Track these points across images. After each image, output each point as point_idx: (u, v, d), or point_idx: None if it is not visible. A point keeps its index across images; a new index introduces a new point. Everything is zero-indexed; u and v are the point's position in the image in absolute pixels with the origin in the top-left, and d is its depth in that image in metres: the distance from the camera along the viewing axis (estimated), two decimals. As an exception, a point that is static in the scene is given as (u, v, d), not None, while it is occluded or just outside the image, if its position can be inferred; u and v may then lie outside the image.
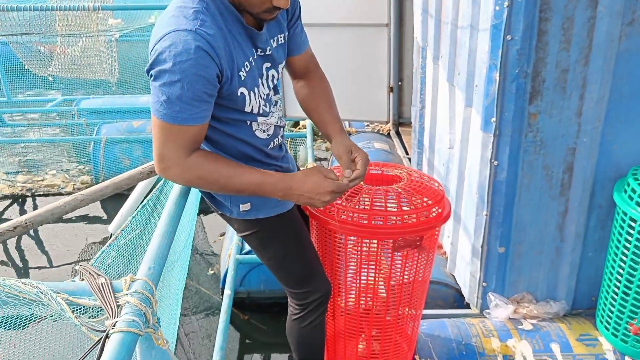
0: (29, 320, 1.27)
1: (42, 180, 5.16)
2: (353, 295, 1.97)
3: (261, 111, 1.58)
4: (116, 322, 1.01)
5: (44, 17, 5.00)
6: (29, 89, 6.26)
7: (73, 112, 5.48)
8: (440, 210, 1.83)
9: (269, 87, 1.60)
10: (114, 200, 4.76)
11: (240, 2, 1.40)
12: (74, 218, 4.51)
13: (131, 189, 4.68)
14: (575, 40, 1.97)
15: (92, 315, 1.08)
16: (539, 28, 1.96)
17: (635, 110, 2.07)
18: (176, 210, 1.42)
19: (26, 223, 1.73)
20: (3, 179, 5.22)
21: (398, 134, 4.52)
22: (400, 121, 4.55)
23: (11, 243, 4.24)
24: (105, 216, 4.66)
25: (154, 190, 2.11)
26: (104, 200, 4.88)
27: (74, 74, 5.14)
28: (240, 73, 1.45)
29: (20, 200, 4.96)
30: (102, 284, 1.10)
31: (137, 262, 2.03)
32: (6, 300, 1.08)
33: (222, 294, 2.99)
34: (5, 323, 1.25)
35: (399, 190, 1.80)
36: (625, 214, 1.97)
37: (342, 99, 4.19)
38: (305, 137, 4.68)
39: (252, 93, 1.52)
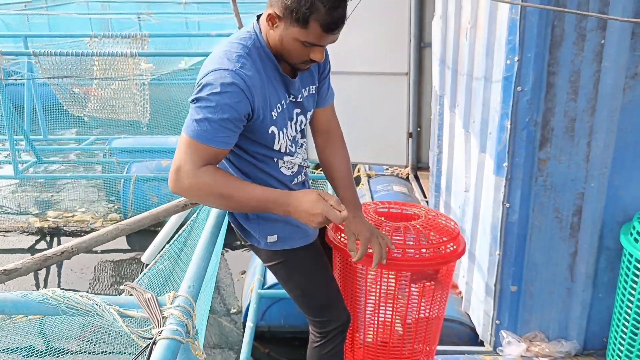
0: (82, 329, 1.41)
1: (72, 217, 5.37)
2: (371, 329, 2.07)
3: (287, 150, 1.74)
4: (162, 330, 1.15)
5: (84, 62, 5.32)
6: (65, 128, 6.58)
7: (105, 151, 5.75)
8: (455, 247, 1.95)
9: (296, 130, 1.77)
10: (140, 235, 4.97)
11: (281, 52, 1.58)
12: (99, 251, 4.70)
13: (158, 224, 4.89)
14: (582, 92, 2.12)
15: (139, 325, 1.22)
16: (548, 81, 2.12)
17: (639, 158, 2.19)
18: (211, 238, 1.57)
19: (72, 249, 1.89)
20: (35, 213, 5.45)
21: (416, 177, 4.66)
22: (419, 165, 4.70)
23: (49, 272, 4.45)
24: (128, 248, 4.87)
25: (187, 223, 2.27)
26: (129, 236, 5.09)
27: (109, 115, 5.41)
28: (272, 113, 1.62)
29: (48, 235, 5.17)
30: (148, 298, 1.25)
31: (170, 287, 2.17)
32: (65, 310, 1.23)
33: (244, 328, 3.11)
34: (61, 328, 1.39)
35: (417, 226, 1.93)
36: (632, 256, 2.07)
37: (363, 143, 4.40)
38: (325, 178, 4.84)
39: (281, 133, 1.68)
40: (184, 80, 7.53)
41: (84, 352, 1.57)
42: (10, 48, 7.41)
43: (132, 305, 1.25)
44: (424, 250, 1.86)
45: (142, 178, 5.00)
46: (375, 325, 2.05)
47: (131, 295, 1.29)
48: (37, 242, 5.06)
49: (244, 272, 4.58)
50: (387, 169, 4.93)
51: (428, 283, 1.92)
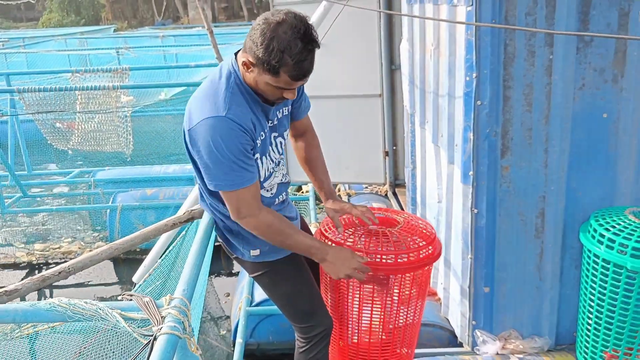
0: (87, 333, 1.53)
1: (58, 248, 5.44)
2: (356, 332, 2.20)
3: (267, 174, 1.90)
4: (162, 327, 1.28)
5: (66, 96, 5.46)
6: (48, 162, 6.68)
7: (90, 183, 5.85)
8: (431, 250, 2.07)
9: (278, 152, 1.94)
10: (127, 265, 5.07)
11: (258, 90, 1.72)
12: (88, 283, 4.78)
13: (144, 252, 4.98)
14: (535, 103, 2.32)
15: (139, 327, 1.35)
16: (504, 94, 2.32)
17: (593, 162, 2.38)
18: (201, 247, 1.71)
19: (69, 268, 2.00)
20: (21, 248, 5.50)
21: (395, 194, 4.83)
22: (397, 183, 4.88)
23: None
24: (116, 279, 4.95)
25: (176, 240, 2.40)
26: (117, 266, 5.18)
27: (93, 147, 5.53)
28: (257, 141, 1.79)
29: (36, 268, 5.24)
30: (147, 302, 1.38)
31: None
32: (72, 316, 1.36)
33: (234, 346, 3.21)
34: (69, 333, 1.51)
35: (395, 232, 2.06)
36: (590, 252, 2.25)
37: (341, 163, 4.59)
38: (308, 199, 5.00)
39: (264, 157, 1.85)
40: (165, 111, 7.68)
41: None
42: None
43: (133, 308, 1.38)
44: (401, 256, 1.99)
45: (128, 207, 5.11)
46: (357, 329, 2.18)
47: (131, 300, 1.42)
48: (27, 275, 5.11)
49: (228, 295, 4.69)
50: (366, 187, 5.11)
51: (378, 288, 2.04)
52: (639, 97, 2.29)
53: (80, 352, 1.71)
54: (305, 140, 2.12)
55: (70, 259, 5.21)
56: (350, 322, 2.16)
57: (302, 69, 1.60)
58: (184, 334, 1.31)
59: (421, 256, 2.01)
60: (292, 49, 1.56)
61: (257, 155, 1.81)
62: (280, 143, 1.95)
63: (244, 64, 1.67)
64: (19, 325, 1.43)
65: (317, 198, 5.47)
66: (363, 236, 2.03)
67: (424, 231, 2.09)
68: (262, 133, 1.80)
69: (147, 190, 5.32)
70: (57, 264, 5.17)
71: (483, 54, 2.25)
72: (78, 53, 11.38)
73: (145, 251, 4.92)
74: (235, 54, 1.77)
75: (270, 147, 1.88)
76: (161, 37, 14.24)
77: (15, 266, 5.26)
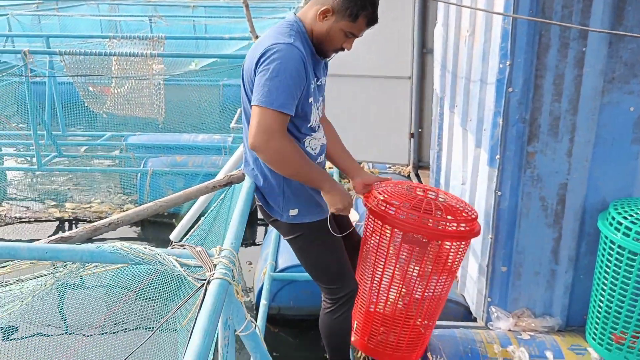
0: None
1: (89, 207, 5.66)
2: (383, 298, 2.36)
3: (317, 125, 2.08)
4: (214, 273, 1.43)
5: (103, 61, 5.63)
6: (82, 124, 6.89)
7: (122, 147, 6.04)
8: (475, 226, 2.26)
9: (319, 112, 2.09)
10: (156, 228, 5.26)
11: (323, 40, 1.98)
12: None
13: (172, 216, 5.17)
14: (565, 94, 2.41)
15: (192, 271, 1.50)
16: (535, 83, 2.41)
17: (616, 154, 2.47)
18: (245, 207, 1.85)
19: (118, 221, 2.18)
20: (54, 205, 5.73)
21: (417, 176, 4.95)
22: (420, 164, 4.99)
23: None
24: (145, 241, 5.14)
25: (215, 203, 2.56)
26: (144, 228, 5.38)
27: (126, 112, 5.71)
28: (312, 85, 1.98)
29: (68, 223, 5.47)
30: (199, 251, 1.53)
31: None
32: (132, 259, 1.51)
33: (256, 309, 3.39)
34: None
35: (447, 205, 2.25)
36: (607, 238, 2.35)
37: (366, 142, 4.71)
38: (332, 175, 5.13)
39: (315, 105, 2.05)
40: (197, 81, 7.83)
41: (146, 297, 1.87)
42: (25, 47, 7.71)
43: (186, 256, 1.54)
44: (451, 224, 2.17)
45: (159, 172, 5.28)
46: (385, 295, 2.34)
47: (184, 249, 1.57)
48: (59, 229, 5.34)
49: (250, 263, 4.86)
50: (389, 167, 5.22)
51: (418, 248, 2.19)
52: (667, 93, 2.37)
53: (129, 298, 1.90)
54: (325, 128, 2.28)
55: (100, 218, 5.47)
56: (382, 289, 2.32)
57: (375, 15, 1.99)
58: (233, 281, 1.46)
59: (466, 228, 2.17)
60: None
61: (312, 99, 2.01)
62: (322, 107, 2.16)
63: (322, 12, 1.94)
64: (84, 264, 1.59)
65: (340, 176, 5.61)
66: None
67: (465, 209, 2.27)
68: (314, 80, 2.02)
69: (176, 157, 5.48)
70: (88, 221, 5.39)
71: (518, 43, 2.34)
72: (111, 19, 11.53)
73: (174, 215, 5.13)
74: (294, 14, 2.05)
75: (318, 102, 2.09)
76: (192, 7, 14.34)
77: (47, 222, 5.49)
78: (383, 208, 2.18)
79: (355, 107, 4.72)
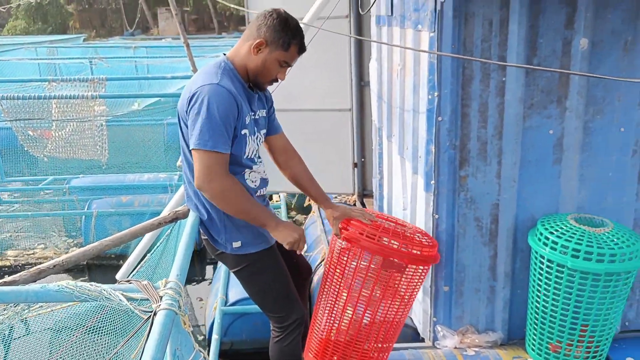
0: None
1: (33, 254, 5.50)
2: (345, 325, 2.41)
3: (254, 157, 2.17)
4: (160, 305, 1.47)
5: (43, 104, 5.57)
6: (23, 169, 6.73)
7: (64, 190, 5.93)
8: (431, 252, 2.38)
9: (257, 144, 2.18)
10: (101, 270, 5.16)
11: (258, 72, 2.09)
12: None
13: (119, 257, 5.09)
14: (490, 120, 2.59)
15: (139, 305, 1.54)
16: (462, 111, 2.58)
17: (540, 174, 2.66)
18: (190, 241, 1.90)
19: (63, 262, 2.17)
20: (-6, 253, 5.55)
21: (363, 204, 5.08)
22: (365, 193, 5.13)
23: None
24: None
25: (161, 240, 2.58)
26: (92, 271, 5.27)
27: (68, 155, 5.63)
28: (246, 118, 2.07)
29: (9, 273, 5.29)
30: (145, 284, 1.57)
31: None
32: (79, 296, 1.53)
33: (209, 345, 3.38)
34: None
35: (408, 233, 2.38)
36: (537, 253, 2.51)
37: (312, 174, 4.77)
38: (280, 208, 5.20)
39: (251, 137, 2.13)
40: (141, 121, 7.80)
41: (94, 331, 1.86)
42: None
43: (132, 290, 1.57)
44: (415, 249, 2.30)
45: (104, 213, 5.22)
46: (347, 322, 2.39)
47: (130, 284, 1.61)
48: (0, 277, 5.16)
49: (201, 300, 4.84)
50: (335, 197, 5.33)
51: (397, 274, 2.28)
52: (580, 116, 2.57)
53: (76, 337, 1.89)
54: (289, 158, 2.41)
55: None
56: (345, 316, 2.37)
57: (304, 43, 2.15)
58: (179, 311, 1.50)
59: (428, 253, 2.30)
60: (299, 28, 2.12)
61: (246, 131, 2.09)
62: (259, 139, 2.24)
63: (256, 45, 2.05)
64: (29, 305, 1.59)
65: (288, 207, 5.69)
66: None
67: (422, 235, 2.45)
68: (249, 114, 2.10)
69: (122, 198, 5.44)
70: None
71: (444, 75, 2.51)
72: (50, 62, 11.37)
73: (121, 257, 5.05)
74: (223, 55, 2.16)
75: (255, 133, 2.18)
76: (134, 48, 14.34)
77: (-13, 271, 5.30)
78: (366, 236, 2.25)
79: (300, 140, 4.79)
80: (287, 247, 2.14)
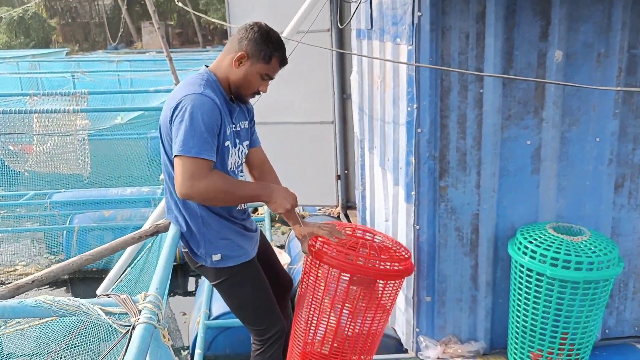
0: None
1: (14, 271, 5.43)
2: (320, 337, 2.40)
3: (235, 169, 2.14)
4: (138, 318, 1.46)
5: (25, 118, 5.52)
6: (3, 184, 6.65)
7: (45, 205, 5.87)
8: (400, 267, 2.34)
9: (239, 156, 2.18)
10: (84, 284, 5.10)
11: (240, 84, 2.10)
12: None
13: (102, 272, 5.04)
14: (469, 131, 2.62)
15: (118, 319, 1.53)
16: (441, 123, 2.61)
17: (519, 184, 2.69)
18: (170, 254, 1.89)
19: (42, 277, 2.14)
20: (-26, 270, 5.46)
21: (346, 216, 5.09)
22: (348, 205, 5.15)
23: None
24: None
25: (142, 254, 2.56)
26: (74, 285, 5.20)
27: (50, 169, 5.58)
28: (227, 129, 2.07)
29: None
30: (124, 298, 1.56)
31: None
32: (56, 311, 1.52)
33: (192, 359, 3.35)
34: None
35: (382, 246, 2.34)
36: (517, 262, 2.54)
37: (296, 186, 4.78)
38: (264, 220, 5.20)
39: (233, 149, 2.13)
40: (123, 134, 7.77)
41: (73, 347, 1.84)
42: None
43: (111, 304, 1.56)
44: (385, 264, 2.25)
45: (86, 228, 5.17)
46: (322, 334, 2.38)
47: (109, 298, 1.60)
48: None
49: (185, 314, 4.80)
50: (319, 209, 5.35)
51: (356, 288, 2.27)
52: (557, 126, 2.62)
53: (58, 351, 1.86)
54: (264, 174, 2.39)
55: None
56: (319, 330, 2.34)
57: (285, 55, 2.15)
58: (158, 325, 1.50)
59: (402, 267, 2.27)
60: (280, 41, 2.13)
61: (228, 142, 2.09)
62: (242, 151, 2.23)
63: (237, 58, 2.06)
64: (5, 321, 1.57)
65: (272, 219, 5.68)
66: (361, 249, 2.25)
67: (397, 247, 2.40)
68: (230, 125, 2.11)
69: (104, 212, 5.39)
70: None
71: (422, 88, 2.54)
72: (32, 76, 11.29)
73: (102, 271, 5.00)
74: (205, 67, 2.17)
75: (237, 145, 2.18)
76: (116, 61, 14.30)
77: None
78: (329, 254, 2.22)
79: (283, 152, 4.83)
80: (281, 212, 2.14)
